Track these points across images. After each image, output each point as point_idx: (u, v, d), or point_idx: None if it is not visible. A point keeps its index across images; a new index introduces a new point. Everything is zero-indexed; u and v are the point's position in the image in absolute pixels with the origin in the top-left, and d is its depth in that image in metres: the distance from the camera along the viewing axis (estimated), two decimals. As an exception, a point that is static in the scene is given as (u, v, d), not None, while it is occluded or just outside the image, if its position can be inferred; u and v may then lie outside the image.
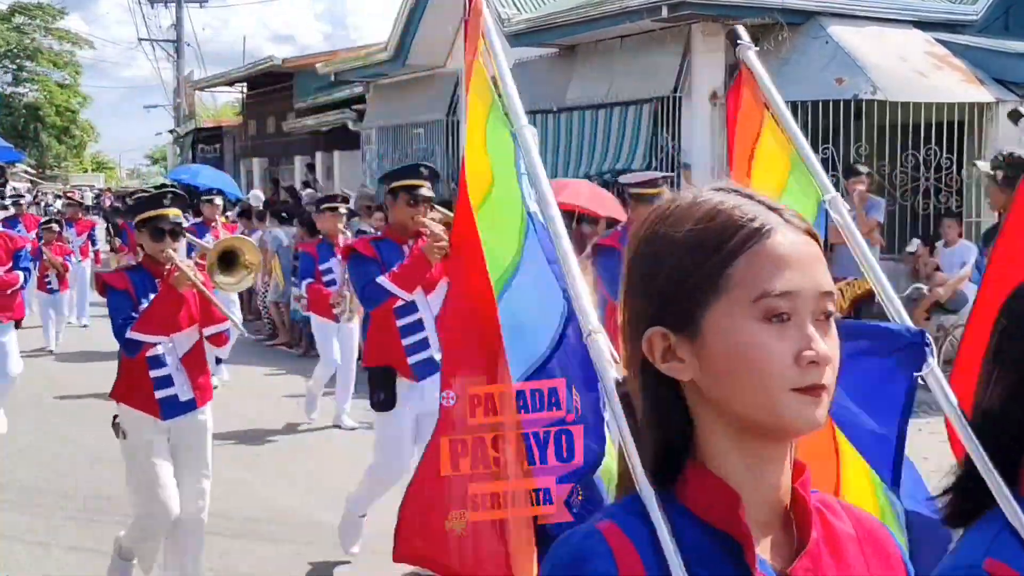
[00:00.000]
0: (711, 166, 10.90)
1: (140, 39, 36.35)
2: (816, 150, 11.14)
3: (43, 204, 31.87)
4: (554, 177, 11.48)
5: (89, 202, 23.72)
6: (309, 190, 18.86)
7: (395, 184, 5.05)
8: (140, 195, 5.21)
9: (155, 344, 4.50)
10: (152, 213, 4.56)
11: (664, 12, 10.25)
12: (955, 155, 10.29)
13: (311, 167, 22.11)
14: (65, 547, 5.82)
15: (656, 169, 11.34)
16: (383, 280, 4.81)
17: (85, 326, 13.99)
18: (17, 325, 8.21)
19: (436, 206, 5.18)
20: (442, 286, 4.81)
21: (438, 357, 4.50)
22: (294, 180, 22.61)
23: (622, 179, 6.20)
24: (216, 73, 29.21)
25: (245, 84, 25.63)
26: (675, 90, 10.99)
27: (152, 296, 4.51)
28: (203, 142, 29.46)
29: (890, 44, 10.55)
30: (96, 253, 14.80)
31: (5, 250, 7.74)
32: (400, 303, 4.87)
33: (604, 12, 11.06)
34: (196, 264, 4.80)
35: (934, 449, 8.14)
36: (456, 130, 15.29)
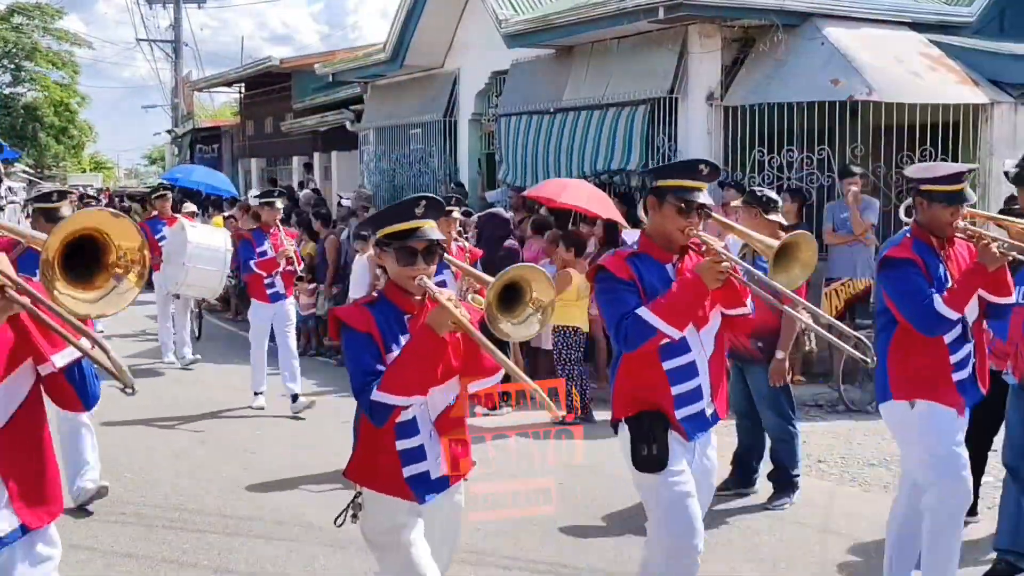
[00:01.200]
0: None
1: (138, 39, 36.44)
2: (812, 151, 11.18)
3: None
4: (551, 177, 11.52)
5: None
6: (306, 191, 18.90)
7: (663, 182, 3.90)
8: (390, 205, 3.69)
9: (407, 407, 3.35)
10: (401, 226, 3.40)
11: (661, 13, 10.28)
12: (950, 156, 10.33)
13: (309, 167, 22.16)
14: (64, 546, 5.83)
15: (653, 170, 11.38)
16: (646, 313, 3.71)
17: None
18: None
19: (713, 214, 4.02)
20: (716, 318, 3.91)
21: (710, 411, 3.92)
22: (292, 180, 22.67)
23: (909, 172, 4.90)
24: (214, 73, 29.24)
25: (243, 84, 25.65)
26: (671, 91, 11.02)
27: (403, 339, 3.37)
28: (201, 142, 29.48)
29: (886, 45, 10.59)
30: None
31: None
32: (666, 340, 3.77)
33: (601, 13, 11.09)
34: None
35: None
36: (453, 130, 15.33)
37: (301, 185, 20.99)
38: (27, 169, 36.22)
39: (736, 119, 10.82)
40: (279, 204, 9.60)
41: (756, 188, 7.10)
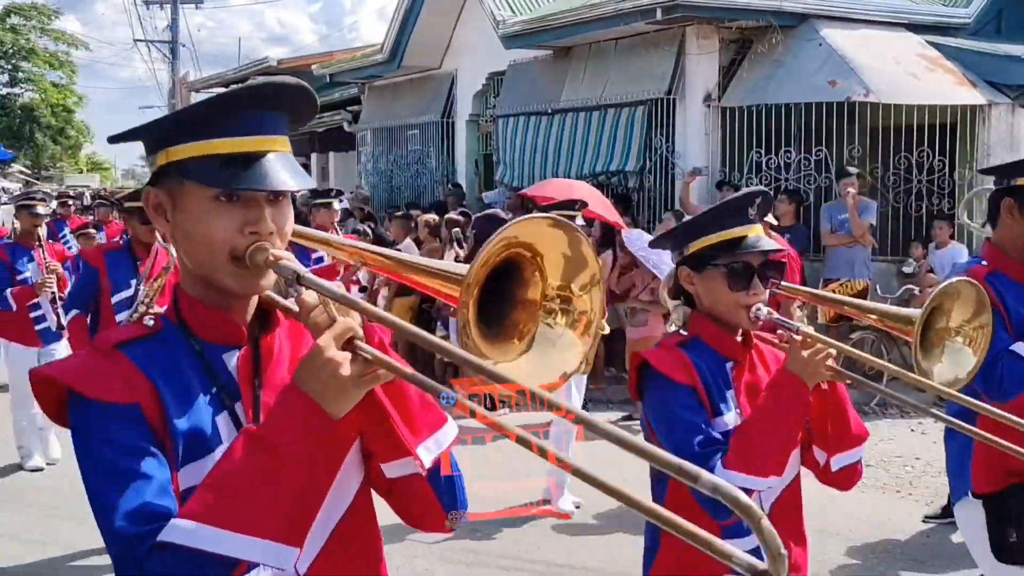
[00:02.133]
0: (705, 167, 10.95)
1: (136, 40, 36.40)
2: (809, 152, 11.18)
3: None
4: (549, 178, 11.51)
5: (88, 201, 23.32)
6: (303, 192, 18.91)
7: None
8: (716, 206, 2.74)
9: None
10: (730, 234, 2.45)
11: (658, 14, 10.30)
12: (947, 157, 10.35)
13: (306, 168, 22.10)
14: (62, 546, 5.84)
15: (649, 171, 11.39)
16: None
17: None
18: None
19: None
20: None
21: None
22: (289, 181, 22.63)
23: None
24: (211, 74, 29.20)
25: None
26: (669, 92, 11.04)
27: (728, 396, 2.48)
28: (198, 143, 29.42)
29: (883, 47, 10.61)
30: None
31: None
32: None
33: (599, 14, 11.11)
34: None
35: (929, 449, 8.16)
36: (451, 131, 15.34)
37: (298, 186, 20.98)
38: (23, 170, 36.19)
39: (734, 120, 10.83)
40: (336, 205, 8.11)
41: (747, 189, 7.11)
